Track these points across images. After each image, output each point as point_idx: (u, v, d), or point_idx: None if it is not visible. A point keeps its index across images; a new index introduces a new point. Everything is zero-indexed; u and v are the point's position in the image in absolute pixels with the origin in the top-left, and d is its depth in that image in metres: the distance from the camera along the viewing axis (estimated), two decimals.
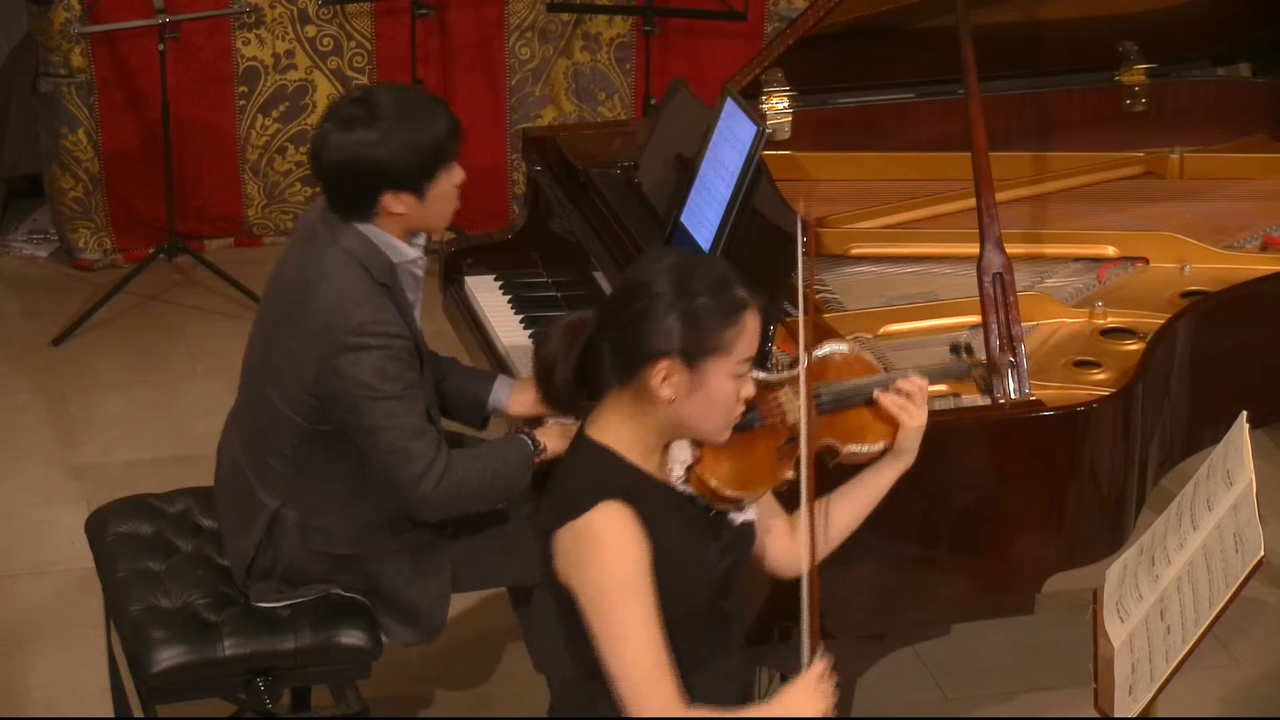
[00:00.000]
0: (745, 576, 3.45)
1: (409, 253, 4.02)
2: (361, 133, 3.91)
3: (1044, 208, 4.81)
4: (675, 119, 4.64)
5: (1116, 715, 3.51)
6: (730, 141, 4.35)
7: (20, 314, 6.52)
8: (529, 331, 4.69)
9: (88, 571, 4.61)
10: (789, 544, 3.48)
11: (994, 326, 3.97)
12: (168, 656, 4.08)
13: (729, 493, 3.31)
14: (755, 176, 4.28)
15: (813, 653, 3.31)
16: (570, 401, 3.35)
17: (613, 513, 3.21)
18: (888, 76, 5.01)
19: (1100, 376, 4.16)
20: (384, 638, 4.20)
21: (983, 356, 3.80)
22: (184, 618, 4.15)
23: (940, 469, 3.86)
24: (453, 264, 4.95)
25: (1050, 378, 4.12)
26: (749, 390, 3.28)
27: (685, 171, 4.48)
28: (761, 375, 3.38)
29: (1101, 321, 4.37)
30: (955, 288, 4.38)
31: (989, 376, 3.80)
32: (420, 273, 4.08)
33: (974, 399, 4.01)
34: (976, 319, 4.08)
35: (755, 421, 3.37)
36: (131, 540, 4.36)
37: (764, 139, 4.27)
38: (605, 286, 4.57)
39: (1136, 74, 5.10)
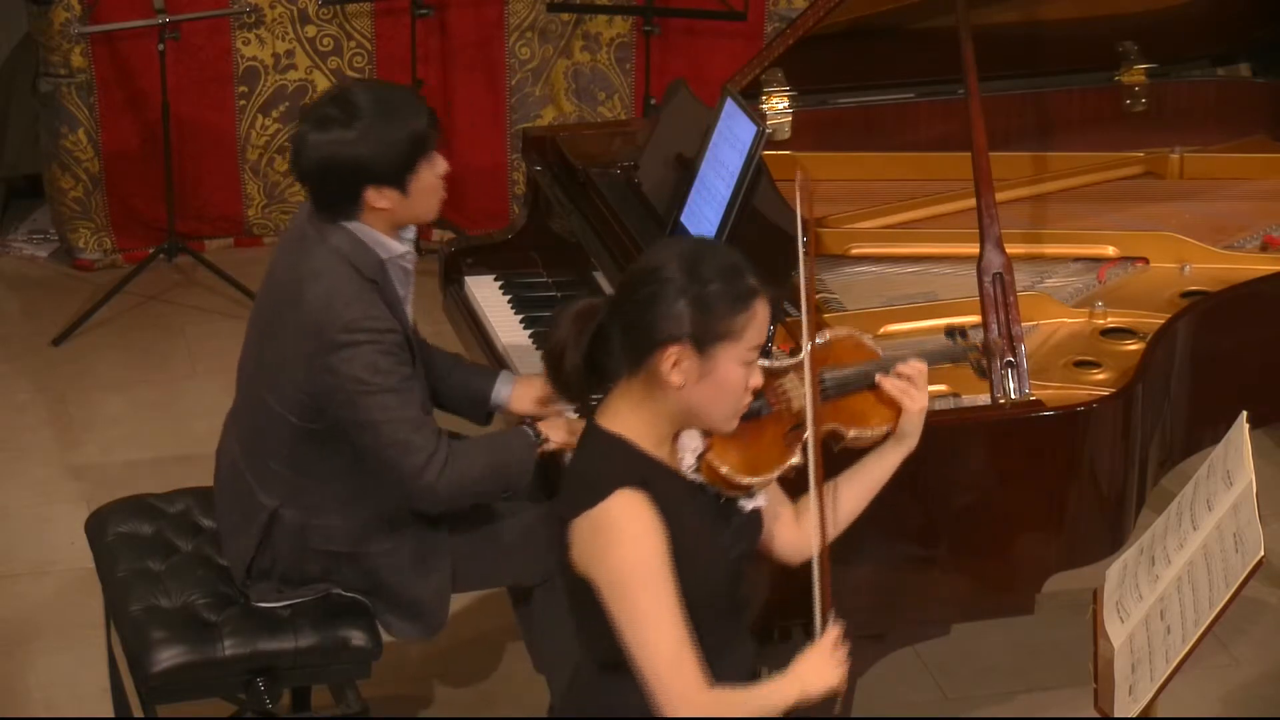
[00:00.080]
0: (749, 570, 3.46)
1: (397, 248, 4.03)
2: (338, 132, 3.91)
3: (1044, 208, 4.81)
4: (675, 119, 4.64)
5: (1116, 715, 3.51)
6: (730, 141, 4.35)
7: (20, 314, 6.52)
8: (529, 331, 4.69)
9: (88, 571, 4.61)
10: (795, 531, 3.49)
11: (994, 326, 3.97)
12: (168, 656, 4.08)
13: (740, 480, 3.33)
14: (755, 176, 4.28)
15: (825, 619, 3.34)
16: (580, 388, 3.36)
17: (630, 500, 3.22)
18: (888, 76, 5.01)
19: (1100, 376, 4.16)
20: (387, 635, 4.21)
21: (977, 340, 3.80)
22: (184, 618, 4.15)
23: (940, 469, 3.86)
24: (453, 264, 4.95)
25: (1050, 378, 4.12)
26: (757, 379, 3.29)
27: (685, 171, 4.48)
28: (765, 363, 3.39)
29: (1101, 321, 4.37)
30: (955, 288, 4.38)
31: (983, 359, 3.80)
32: (410, 267, 4.08)
33: (975, 399, 4.02)
34: (976, 319, 4.08)
35: (762, 409, 3.38)
36: (131, 540, 4.36)
37: (764, 139, 4.27)
38: (605, 287, 4.57)
39: (1136, 74, 5.10)
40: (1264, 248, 4.67)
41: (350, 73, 6.70)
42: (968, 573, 3.97)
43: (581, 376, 3.33)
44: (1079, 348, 4.29)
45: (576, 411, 4.33)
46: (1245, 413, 3.66)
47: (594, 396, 3.39)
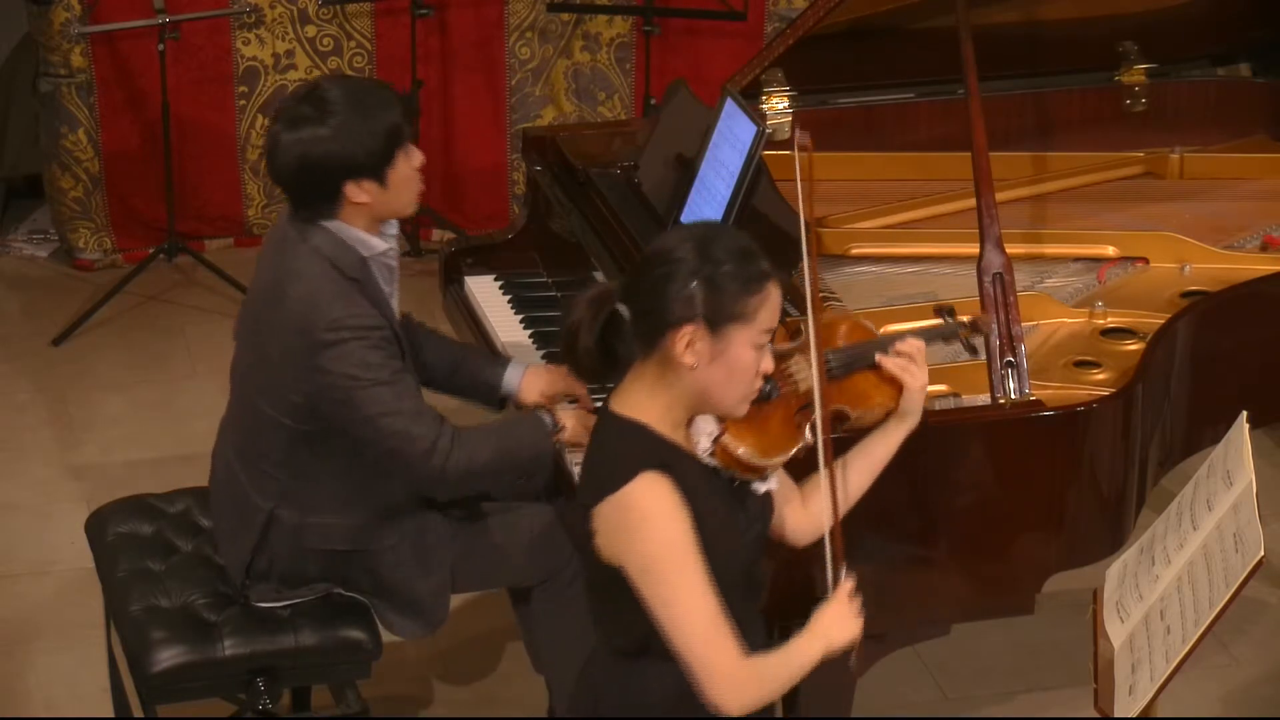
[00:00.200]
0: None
1: (379, 245, 4.02)
2: (312, 130, 3.91)
3: (1044, 208, 4.81)
4: (675, 119, 4.64)
5: (1116, 715, 3.51)
6: (730, 141, 4.35)
7: (20, 314, 6.52)
8: (529, 331, 4.69)
9: (88, 571, 4.61)
10: (804, 512, 3.52)
11: (994, 326, 3.97)
12: (168, 656, 4.08)
13: (756, 462, 3.36)
14: (755, 176, 4.28)
15: (837, 573, 3.36)
16: (593, 371, 3.37)
17: (654, 482, 3.23)
18: (888, 76, 5.01)
19: (1100, 376, 4.16)
20: (387, 634, 4.21)
21: (965, 317, 3.81)
22: (184, 618, 4.15)
23: (940, 469, 3.86)
24: (453, 264, 4.94)
25: (1050, 378, 4.12)
26: (768, 364, 3.31)
27: (685, 171, 4.48)
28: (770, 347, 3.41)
29: (1101, 321, 4.37)
30: (955, 288, 4.38)
31: (973, 337, 3.81)
32: (393, 264, 4.08)
33: (975, 399, 4.02)
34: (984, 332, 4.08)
35: (772, 393, 3.41)
36: (131, 540, 4.36)
37: (764, 139, 4.27)
38: None
39: (1136, 74, 5.10)
40: (1264, 248, 4.67)
41: (350, 73, 6.70)
42: (968, 573, 3.97)
43: (595, 359, 3.35)
44: (1079, 348, 4.29)
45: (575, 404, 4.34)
46: (1245, 413, 3.66)
47: (604, 387, 3.40)
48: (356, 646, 4.15)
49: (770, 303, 3.27)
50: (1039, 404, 3.93)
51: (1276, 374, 4.42)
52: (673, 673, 3.33)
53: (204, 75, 6.62)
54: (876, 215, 4.73)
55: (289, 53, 6.68)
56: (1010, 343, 3.96)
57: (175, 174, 6.48)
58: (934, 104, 5.00)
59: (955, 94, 4.84)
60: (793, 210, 4.13)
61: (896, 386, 3.54)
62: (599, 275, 4.62)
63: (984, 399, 3.99)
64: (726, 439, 3.34)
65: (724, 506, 3.34)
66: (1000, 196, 4.27)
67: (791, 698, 3.52)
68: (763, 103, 4.86)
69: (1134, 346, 4.26)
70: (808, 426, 3.42)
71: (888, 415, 3.56)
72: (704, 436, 3.35)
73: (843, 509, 3.47)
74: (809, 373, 3.43)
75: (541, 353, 4.60)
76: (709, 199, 4.36)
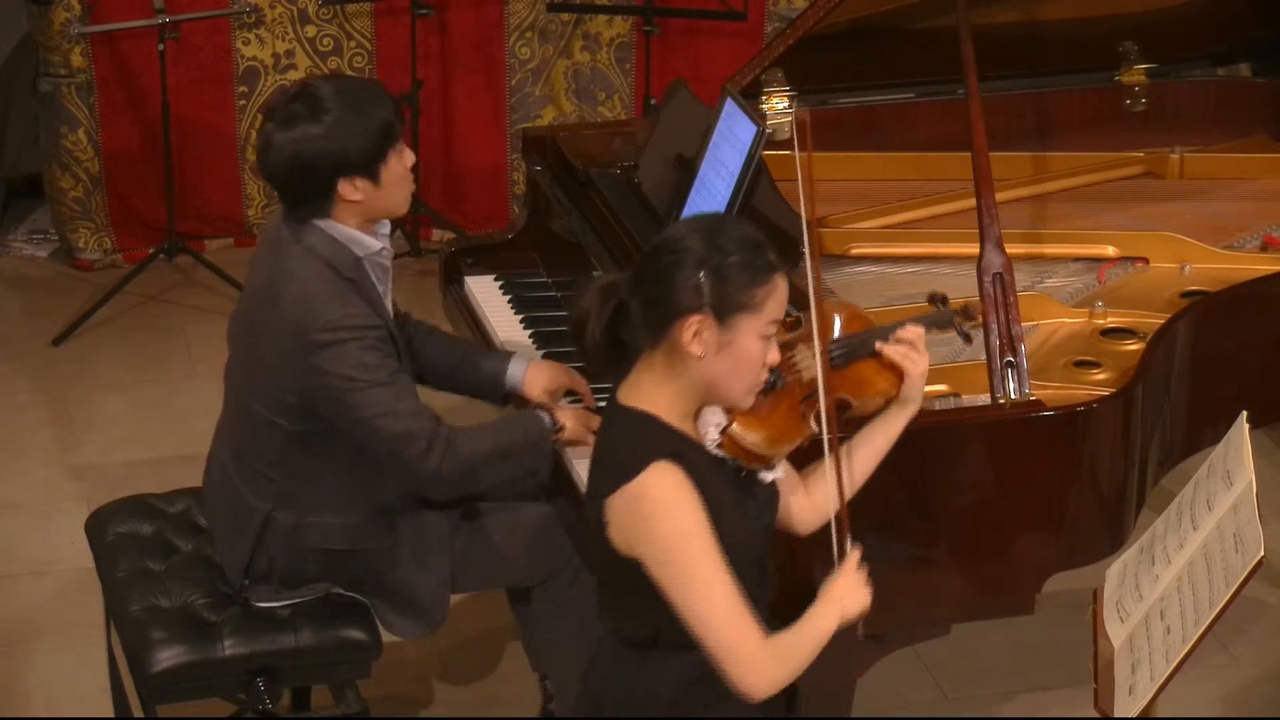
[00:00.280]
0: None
1: (373, 244, 4.02)
2: (305, 127, 3.91)
3: (1044, 208, 4.81)
4: (675, 119, 4.64)
5: (1116, 715, 3.51)
6: (730, 141, 4.35)
7: (20, 314, 6.52)
8: (529, 331, 4.69)
9: (88, 571, 4.61)
10: (808, 501, 3.53)
11: (994, 326, 3.97)
12: (168, 656, 4.08)
13: (764, 452, 3.37)
14: (755, 176, 4.28)
15: (843, 545, 3.39)
16: (600, 361, 3.38)
17: (666, 471, 3.25)
18: (888, 76, 5.01)
19: (1100, 376, 4.16)
20: (387, 633, 4.21)
21: (958, 302, 3.81)
22: (184, 618, 4.15)
23: (940, 469, 3.86)
24: (453, 264, 4.94)
25: (1050, 378, 4.12)
26: (775, 355, 3.33)
27: (685, 171, 4.48)
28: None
29: (1101, 321, 4.37)
30: (955, 288, 4.36)
31: (965, 323, 3.81)
32: (388, 263, 4.08)
33: (975, 399, 4.02)
34: (977, 319, 4.08)
35: (778, 382, 3.42)
36: (131, 540, 4.36)
37: (764, 139, 4.27)
38: None
39: (1136, 74, 5.10)
40: (1264, 248, 4.67)
41: (350, 73, 6.70)
42: (968, 573, 3.97)
43: (602, 350, 3.36)
44: (1079, 348, 4.29)
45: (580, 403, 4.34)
46: (1245, 413, 3.66)
47: (604, 385, 3.41)
48: (356, 646, 4.15)
49: (777, 293, 3.29)
50: (1039, 404, 3.92)
51: (1276, 374, 4.42)
52: (681, 665, 3.35)
53: (204, 75, 6.62)
54: (876, 215, 4.73)
55: (289, 53, 6.68)
56: (1010, 343, 3.96)
57: (175, 174, 6.48)
58: (934, 104, 5.00)
59: (955, 94, 4.84)
60: (793, 210, 4.14)
61: (897, 373, 3.55)
62: (599, 275, 4.62)
63: (984, 399, 3.99)
64: (734, 429, 3.35)
65: (733, 496, 3.35)
66: (1000, 196, 4.27)
67: (792, 698, 3.52)
68: (763, 103, 4.86)
69: (1134, 346, 4.26)
70: (813, 415, 3.44)
71: (888, 403, 3.57)
72: (711, 428, 3.36)
73: (848, 494, 3.48)
74: (812, 362, 3.45)
75: (542, 353, 4.60)
76: (709, 199, 4.36)
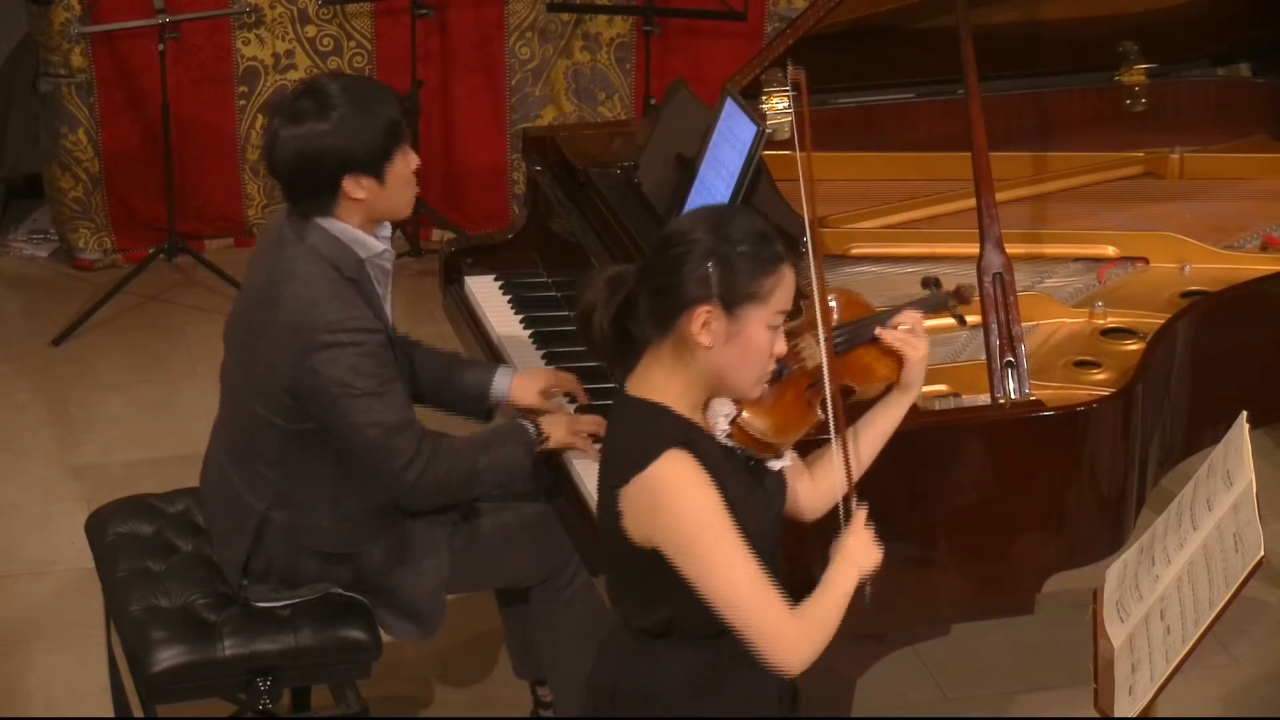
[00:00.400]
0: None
1: (376, 246, 4.02)
2: (313, 124, 3.91)
3: (1044, 208, 4.81)
4: (675, 119, 4.64)
5: (1116, 715, 3.51)
6: (730, 141, 4.35)
7: (20, 314, 6.52)
8: (529, 331, 4.69)
9: (88, 571, 4.61)
10: (814, 487, 3.53)
11: (994, 326, 3.97)
12: (168, 656, 4.08)
13: (772, 440, 3.39)
14: (755, 176, 4.28)
15: (849, 505, 3.41)
16: (606, 352, 3.39)
17: (678, 459, 3.25)
18: (888, 76, 5.01)
19: (1100, 376, 4.16)
20: (386, 635, 4.20)
21: (952, 286, 3.81)
22: (184, 618, 4.15)
23: (940, 469, 3.86)
24: (453, 264, 4.94)
25: (1050, 378, 4.12)
26: (781, 346, 3.34)
27: (685, 171, 4.48)
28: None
29: (1101, 321, 4.37)
30: None
31: (959, 305, 3.82)
32: (389, 266, 4.08)
33: (975, 399, 4.02)
34: (976, 319, 4.08)
35: (784, 371, 3.43)
36: (131, 540, 4.36)
37: (764, 139, 4.27)
38: None
39: (1136, 74, 5.10)
40: (1264, 248, 4.67)
41: (350, 73, 6.70)
42: (968, 573, 3.97)
43: (609, 341, 3.36)
44: (1079, 348, 4.29)
45: (576, 410, 4.34)
46: (1245, 413, 3.66)
47: (602, 388, 3.41)
48: (356, 646, 4.15)
49: (785, 284, 3.30)
50: (1039, 404, 3.92)
51: (1276, 374, 4.41)
52: (693, 655, 3.37)
53: (204, 75, 6.62)
54: (876, 215, 4.73)
55: (289, 53, 6.68)
56: (1010, 343, 3.96)
57: (175, 174, 6.48)
58: (934, 104, 5.00)
59: (955, 94, 4.84)
60: (793, 210, 4.14)
61: (897, 359, 3.56)
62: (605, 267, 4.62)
63: (984, 399, 3.99)
64: (744, 418, 3.37)
65: (745, 485, 3.36)
66: (1000, 196, 4.27)
67: (793, 698, 3.53)
68: (763, 103, 4.85)
69: (1134, 346, 4.26)
70: (819, 403, 3.45)
71: (889, 388, 3.58)
72: (721, 418, 3.37)
73: (856, 475, 3.50)
74: (815, 350, 3.46)
75: (541, 353, 4.60)
76: (709, 199, 4.36)
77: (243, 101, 6.70)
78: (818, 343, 3.44)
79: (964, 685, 4.92)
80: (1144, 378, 4.02)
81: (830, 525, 3.45)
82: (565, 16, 6.78)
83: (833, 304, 3.59)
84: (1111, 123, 5.10)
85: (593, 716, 3.51)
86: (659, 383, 3.32)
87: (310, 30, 6.67)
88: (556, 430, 4.14)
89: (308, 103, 3.93)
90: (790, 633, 3.27)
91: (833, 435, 3.43)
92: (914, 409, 3.65)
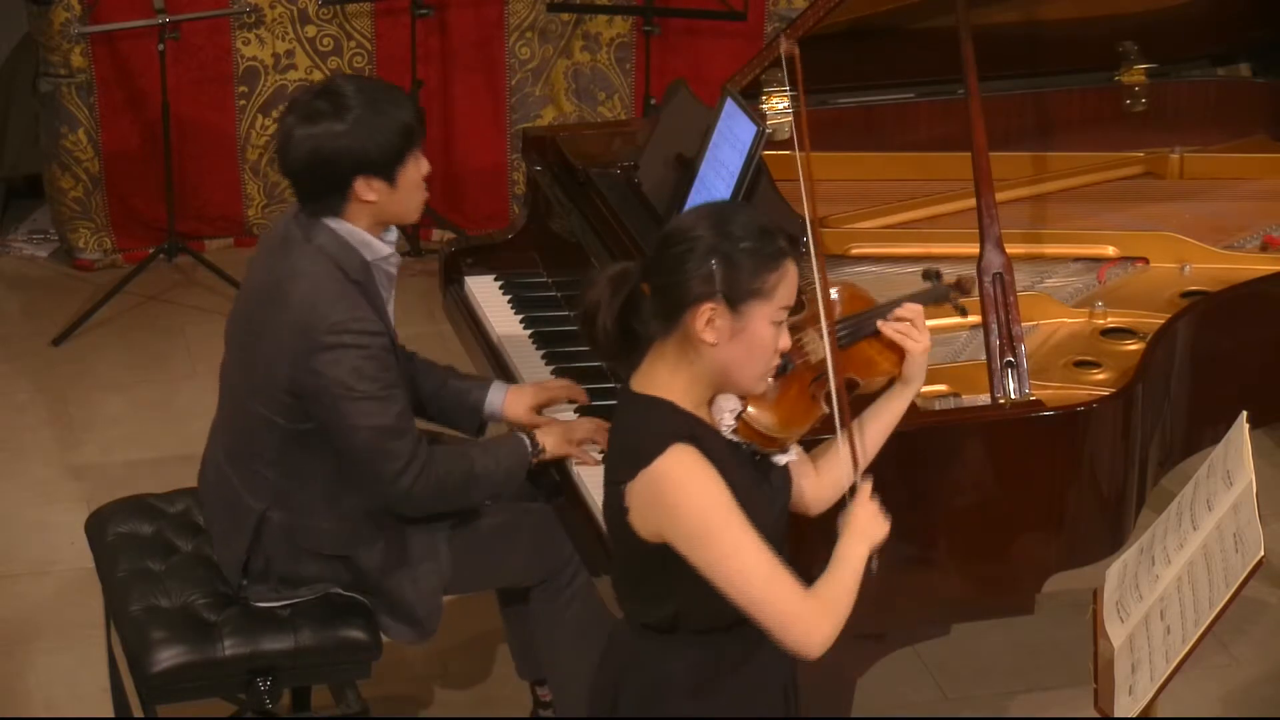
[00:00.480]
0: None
1: (382, 249, 4.02)
2: (328, 124, 3.91)
3: (1044, 208, 4.81)
4: (675, 119, 4.64)
5: (1116, 715, 3.51)
6: (730, 141, 4.35)
7: (20, 314, 6.52)
8: (529, 332, 4.69)
9: (88, 571, 4.61)
10: (819, 481, 3.54)
11: (994, 326, 3.97)
12: (168, 656, 4.08)
13: (777, 434, 3.39)
14: (755, 176, 4.28)
15: (854, 476, 3.42)
16: (610, 351, 3.39)
17: (684, 453, 3.26)
18: (888, 76, 5.01)
19: (1100, 376, 4.16)
20: (383, 636, 4.20)
21: (953, 278, 3.81)
22: (184, 618, 4.15)
23: (940, 469, 3.86)
24: (453, 264, 4.94)
25: (1050, 378, 4.12)
26: (785, 340, 3.34)
27: (685, 171, 4.48)
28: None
29: (1101, 321, 4.37)
30: None
31: (960, 297, 3.82)
32: (394, 271, 4.08)
33: (975, 399, 4.02)
34: (976, 319, 4.08)
35: (788, 366, 3.44)
36: (131, 540, 4.35)
37: (764, 139, 4.27)
38: None
39: (1136, 74, 5.10)
40: (1264, 248, 4.67)
41: (350, 73, 6.70)
42: (968, 573, 3.97)
43: (613, 340, 3.36)
44: (1079, 348, 4.29)
45: (575, 412, 4.34)
46: (1245, 413, 3.66)
47: (599, 388, 3.40)
48: (356, 646, 4.15)
49: (788, 279, 3.30)
50: (1039, 404, 3.92)
51: (1276, 374, 4.41)
52: (697, 651, 3.37)
53: (204, 75, 6.62)
54: (876, 215, 4.73)
55: (289, 53, 6.68)
56: (1010, 343, 3.96)
57: (175, 174, 6.48)
58: (934, 104, 5.00)
59: (955, 94, 4.84)
60: (793, 210, 4.14)
61: (899, 352, 3.57)
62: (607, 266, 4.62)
63: (984, 399, 3.99)
64: (749, 414, 3.37)
65: (750, 480, 3.36)
66: (1000, 196, 4.27)
67: (794, 698, 3.53)
68: (763, 103, 4.86)
69: (1134, 346, 4.26)
70: (823, 396, 3.46)
71: (892, 381, 3.58)
72: (726, 414, 3.38)
73: (863, 465, 3.51)
74: (818, 345, 3.47)
75: (541, 353, 4.60)
76: (709, 199, 4.36)
77: (243, 101, 6.70)
78: (821, 337, 3.44)
79: (964, 685, 4.92)
80: (1144, 378, 4.02)
81: (835, 523, 3.46)
82: (565, 16, 6.78)
83: (835, 296, 3.60)
84: (1111, 123, 5.10)
85: (596, 717, 3.51)
86: (663, 380, 3.33)
87: (310, 30, 6.67)
88: (550, 441, 4.14)
89: (324, 103, 3.93)
90: (807, 614, 3.27)
91: (838, 428, 3.44)
92: (913, 409, 3.66)
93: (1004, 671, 4.96)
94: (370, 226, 4.00)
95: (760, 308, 3.28)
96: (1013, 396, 3.94)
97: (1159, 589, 3.59)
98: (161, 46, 6.22)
